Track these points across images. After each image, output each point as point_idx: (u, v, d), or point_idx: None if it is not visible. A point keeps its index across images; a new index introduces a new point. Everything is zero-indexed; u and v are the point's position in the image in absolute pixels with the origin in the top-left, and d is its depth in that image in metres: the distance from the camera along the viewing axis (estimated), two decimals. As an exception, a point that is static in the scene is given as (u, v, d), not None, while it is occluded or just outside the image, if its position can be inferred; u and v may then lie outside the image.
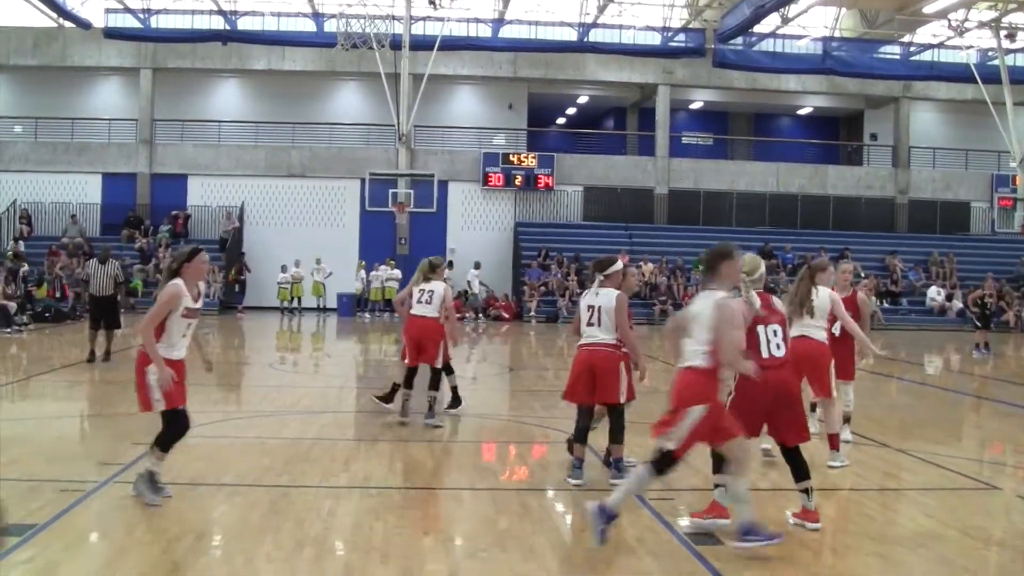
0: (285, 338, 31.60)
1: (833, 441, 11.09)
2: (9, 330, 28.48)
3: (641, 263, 40.12)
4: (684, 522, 8.55)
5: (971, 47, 42.51)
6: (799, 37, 42.15)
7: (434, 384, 13.22)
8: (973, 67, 42.07)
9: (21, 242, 39.77)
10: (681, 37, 42.01)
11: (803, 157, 48.03)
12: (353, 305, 39.34)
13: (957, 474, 10.88)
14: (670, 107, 45.75)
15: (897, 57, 42.90)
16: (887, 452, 12.20)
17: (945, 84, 45.04)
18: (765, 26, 39.38)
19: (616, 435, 10.04)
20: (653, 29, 41.76)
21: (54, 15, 40.08)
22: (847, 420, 12.94)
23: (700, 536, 8.09)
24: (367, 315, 38.83)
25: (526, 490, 9.63)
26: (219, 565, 7.26)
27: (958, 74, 42.72)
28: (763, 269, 8.60)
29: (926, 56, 42.85)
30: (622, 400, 10.00)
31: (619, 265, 10.27)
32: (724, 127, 51.68)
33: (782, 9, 36.89)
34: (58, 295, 34.42)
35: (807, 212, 45.51)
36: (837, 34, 43.09)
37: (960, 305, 38.53)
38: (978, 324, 28.89)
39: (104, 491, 9.14)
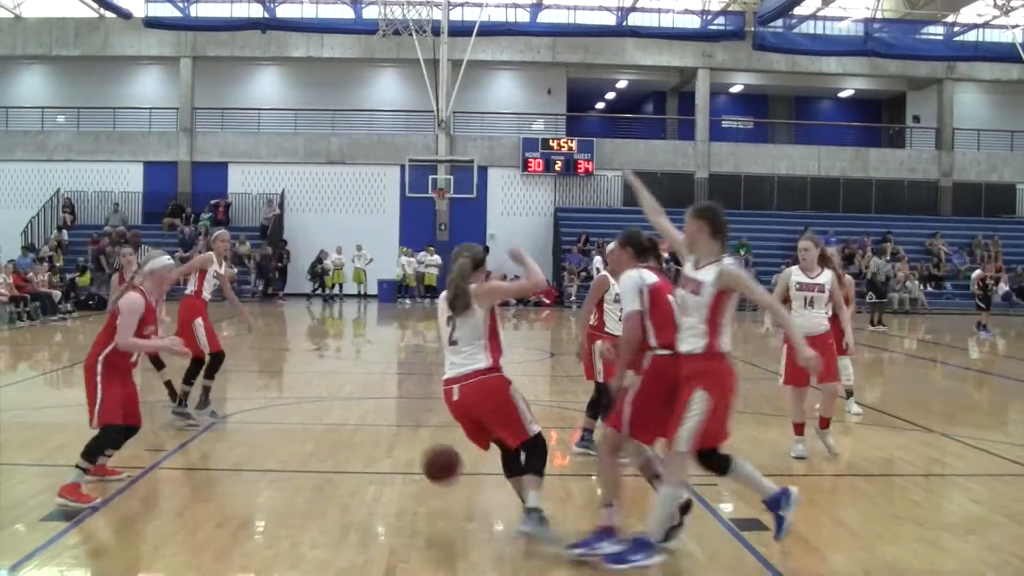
0: (328, 324, 31.71)
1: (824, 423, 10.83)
2: (55, 318, 28.74)
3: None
4: (727, 507, 8.52)
5: (1017, 26, 41.81)
6: (840, 19, 41.79)
7: None
8: (1019, 46, 41.45)
9: (65, 231, 40.10)
10: (721, 20, 41.74)
11: (844, 140, 47.68)
12: (394, 291, 39.41)
13: (1004, 459, 10.75)
14: (710, 91, 45.48)
15: (940, 38, 42.39)
16: (932, 437, 12.06)
17: (990, 64, 44.49)
18: (805, 8, 39.09)
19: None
20: (692, 12, 41.53)
21: (95, 5, 40.30)
22: (850, 393, 13.38)
23: (745, 521, 8.04)
24: (407, 301, 38.89)
25: (569, 476, 9.61)
26: (264, 550, 7.28)
27: (1003, 54, 42.04)
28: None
29: (970, 36, 42.25)
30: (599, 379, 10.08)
31: (610, 247, 10.36)
32: (764, 110, 51.31)
33: (823, -10, 36.60)
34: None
35: (849, 196, 45.16)
36: (879, 15, 42.54)
37: (1006, 288, 38.19)
38: (981, 305, 28.76)
39: (150, 477, 9.20)
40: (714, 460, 7.11)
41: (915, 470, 10.39)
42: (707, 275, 6.95)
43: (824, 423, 10.70)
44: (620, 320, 10.08)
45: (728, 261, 7.01)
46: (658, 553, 6.99)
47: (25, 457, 10.07)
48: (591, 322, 10.32)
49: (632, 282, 7.50)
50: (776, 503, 7.06)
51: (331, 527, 7.73)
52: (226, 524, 7.77)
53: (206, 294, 12.35)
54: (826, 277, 10.69)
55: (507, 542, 7.63)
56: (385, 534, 7.70)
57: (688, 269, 7.18)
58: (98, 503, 8.07)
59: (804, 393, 10.63)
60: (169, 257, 9.06)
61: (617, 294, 10.14)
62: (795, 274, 10.82)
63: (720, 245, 7.16)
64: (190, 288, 12.33)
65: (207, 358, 12.08)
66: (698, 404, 6.74)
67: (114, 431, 8.34)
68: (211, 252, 12.61)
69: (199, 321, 12.02)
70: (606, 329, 10.34)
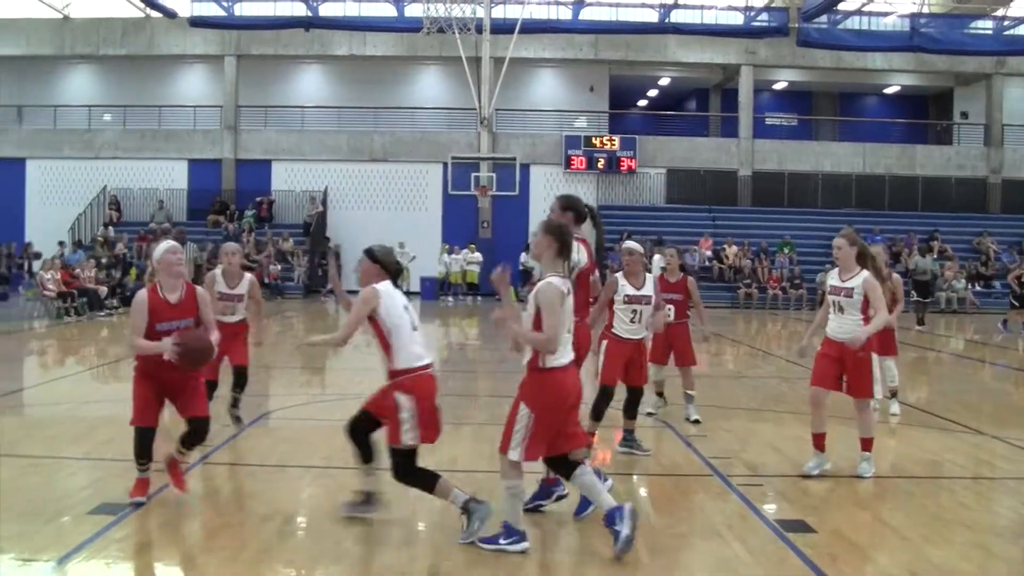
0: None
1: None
2: (101, 314, 28.98)
3: (725, 245, 39.87)
4: (767, 509, 8.47)
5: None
6: (885, 14, 41.41)
7: None
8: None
9: (111, 228, 40.44)
10: (764, 16, 41.49)
11: (890, 137, 47.29)
12: (436, 289, 39.49)
13: (1056, 462, 10.62)
14: (753, 87, 45.25)
15: (989, 32, 41.88)
16: (982, 439, 11.94)
17: (1040, 59, 44.00)
18: (850, 3, 38.82)
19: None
20: (735, 9, 41.31)
21: (141, 5, 40.54)
22: (894, 394, 13.23)
23: (790, 522, 7.99)
24: (450, 299, 38.93)
25: (612, 474, 9.55)
26: (308, 546, 7.31)
27: (1055, 49, 41.60)
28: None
29: (1020, 30, 41.66)
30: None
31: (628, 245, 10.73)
32: (808, 107, 50.95)
33: (868, -15, 36.30)
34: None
35: (895, 193, 44.75)
36: (926, 10, 42.11)
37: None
38: (1015, 303, 28.39)
39: (195, 471, 9.25)
40: (563, 466, 7.45)
41: (964, 472, 10.25)
42: (533, 292, 7.26)
43: (865, 445, 9.67)
44: (630, 322, 10.17)
45: (545, 281, 7.19)
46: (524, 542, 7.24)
47: (74, 451, 10.15)
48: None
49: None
50: (611, 519, 7.18)
51: (375, 523, 7.75)
52: (271, 519, 7.81)
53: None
54: (858, 280, 9.52)
55: (549, 542, 7.62)
56: (428, 531, 7.70)
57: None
58: (140, 500, 8.11)
59: (826, 398, 9.60)
60: (170, 241, 8.70)
61: (626, 295, 10.21)
62: (831, 276, 9.88)
63: (563, 264, 7.34)
64: None
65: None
66: (521, 414, 7.16)
67: (140, 433, 8.17)
68: (215, 271, 11.49)
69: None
70: (614, 330, 10.43)
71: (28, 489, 8.60)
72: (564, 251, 7.32)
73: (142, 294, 8.21)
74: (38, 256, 30.47)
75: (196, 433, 8.29)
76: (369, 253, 8.24)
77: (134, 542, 7.28)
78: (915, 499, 8.94)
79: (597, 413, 10.15)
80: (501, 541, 7.20)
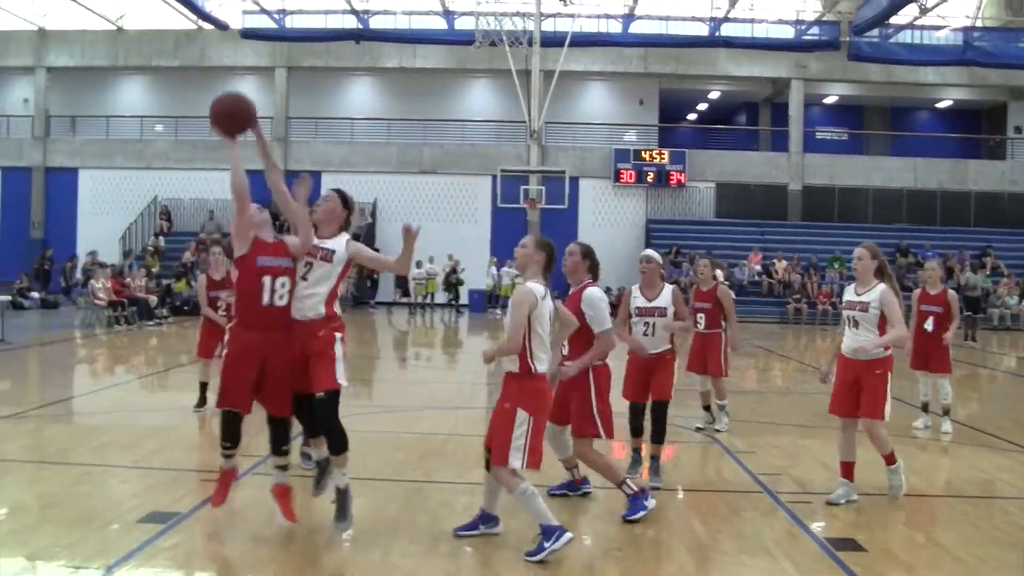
0: (418, 333, 31.85)
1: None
2: (151, 323, 29.22)
3: (775, 260, 39.67)
4: (817, 526, 8.40)
5: None
6: (938, 27, 40.98)
7: None
8: None
9: (161, 237, 40.78)
10: (815, 30, 41.21)
11: (942, 152, 46.81)
12: (485, 301, 39.52)
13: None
14: (803, 101, 45.01)
15: (1043, 46, 41.46)
16: (1037, 458, 11.76)
17: (1097, 73, 43.44)
18: (902, 17, 38.44)
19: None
20: (786, 22, 41.06)
21: (193, 17, 40.89)
22: (946, 412, 13.19)
23: (840, 541, 7.91)
24: (498, 311, 38.90)
25: (661, 490, 9.50)
26: (355, 558, 7.32)
27: (1112, 62, 41.03)
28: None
29: (1075, 44, 41.27)
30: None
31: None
32: (859, 121, 50.60)
33: (920, -1, 35.98)
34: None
35: (947, 208, 44.32)
36: (979, 23, 41.72)
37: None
38: None
39: (243, 481, 9.27)
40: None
41: (1019, 492, 10.07)
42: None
43: (888, 459, 9.38)
44: (643, 335, 9.87)
45: (522, 284, 7.62)
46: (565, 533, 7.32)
47: (123, 459, 10.23)
48: None
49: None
50: (488, 519, 7.74)
51: (421, 536, 7.75)
52: (318, 531, 7.83)
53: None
54: (874, 294, 9.12)
55: (600, 555, 7.59)
56: (475, 545, 7.67)
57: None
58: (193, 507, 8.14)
59: (852, 425, 9.32)
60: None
61: (636, 307, 9.98)
62: (847, 291, 9.53)
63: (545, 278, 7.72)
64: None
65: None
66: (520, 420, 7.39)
67: (222, 416, 7.95)
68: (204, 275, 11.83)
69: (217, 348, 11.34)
70: None
71: (78, 497, 8.67)
72: (549, 266, 7.73)
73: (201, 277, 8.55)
74: (103, 266, 30.75)
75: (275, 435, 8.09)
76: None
77: (183, 551, 7.31)
78: (968, 519, 8.82)
79: (633, 429, 10.04)
80: (546, 545, 7.24)
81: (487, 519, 7.86)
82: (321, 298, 7.88)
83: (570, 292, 8.66)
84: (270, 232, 8.44)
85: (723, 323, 12.83)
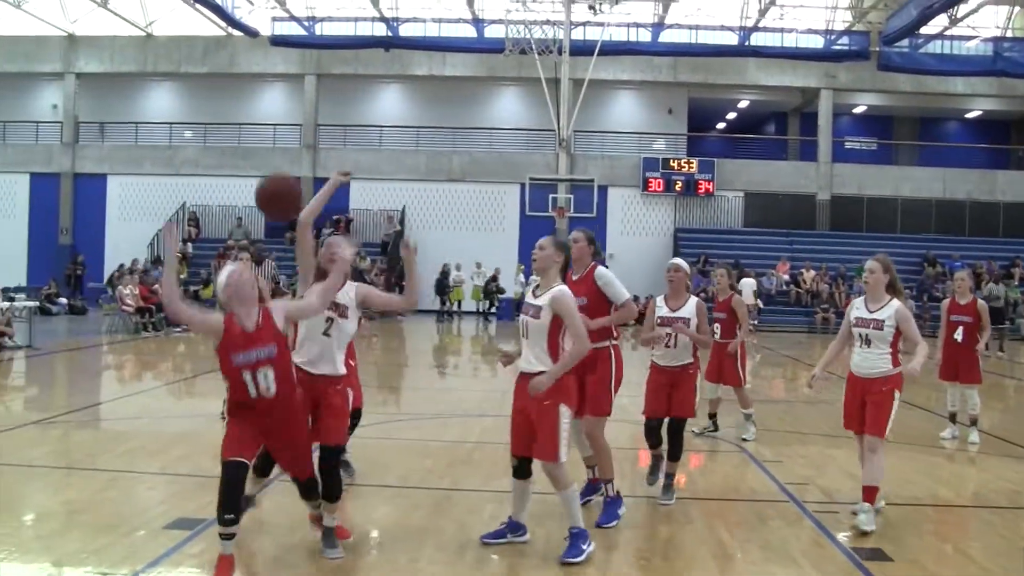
0: (446, 341, 31.88)
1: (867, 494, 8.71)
2: (178, 330, 29.32)
3: (803, 270, 39.55)
4: (843, 536, 8.36)
5: None
6: (968, 38, 40.80)
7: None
8: None
9: (189, 244, 40.95)
10: (844, 40, 41.07)
11: (971, 162, 46.56)
12: (513, 309, 39.49)
13: None
14: (833, 111, 44.87)
15: (1074, 57, 41.19)
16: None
17: None
18: (932, 27, 38.27)
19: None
20: (815, 32, 40.96)
21: (223, 24, 41.06)
22: (974, 422, 13.15)
23: (867, 551, 7.88)
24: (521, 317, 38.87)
25: (688, 499, 9.48)
26: (382, 565, 7.32)
27: None
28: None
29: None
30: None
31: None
32: (888, 131, 50.38)
33: (950, 9, 35.79)
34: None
35: (975, 219, 44.06)
36: (1009, 33, 41.54)
37: None
38: None
39: (270, 489, 9.29)
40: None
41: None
42: (548, 300, 7.62)
43: (867, 494, 8.64)
44: (664, 347, 9.68)
45: (559, 289, 7.63)
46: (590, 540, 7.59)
47: (150, 465, 10.26)
48: None
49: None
50: (516, 528, 7.81)
51: (448, 544, 7.76)
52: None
53: None
54: (889, 311, 8.69)
55: (626, 564, 7.58)
56: (501, 552, 7.67)
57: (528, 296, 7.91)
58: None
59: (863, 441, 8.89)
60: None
61: (659, 317, 9.83)
62: (855, 307, 9.05)
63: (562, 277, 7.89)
64: None
65: None
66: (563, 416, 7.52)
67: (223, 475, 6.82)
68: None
69: None
70: (652, 357, 9.95)
71: (105, 503, 8.71)
72: (566, 267, 8.00)
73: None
74: (132, 273, 30.93)
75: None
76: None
77: (209, 558, 7.31)
78: (996, 529, 8.76)
79: (649, 444, 9.82)
80: (584, 547, 7.42)
81: (515, 527, 7.86)
82: (342, 353, 7.73)
83: (574, 278, 8.77)
84: (252, 303, 6.92)
85: (738, 333, 12.83)
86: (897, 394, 8.68)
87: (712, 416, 13.19)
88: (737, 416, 13.22)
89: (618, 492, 8.73)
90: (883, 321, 8.66)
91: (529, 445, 7.53)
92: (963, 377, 13.17)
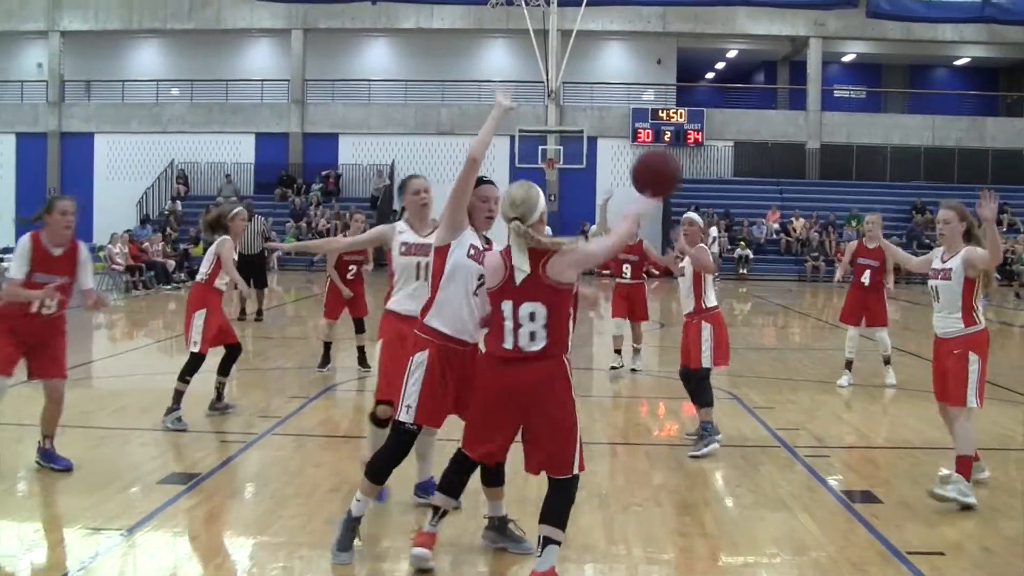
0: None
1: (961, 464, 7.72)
2: (168, 287, 29.33)
3: (792, 218, 39.59)
4: (834, 480, 8.42)
5: None
6: (957, -16, 40.73)
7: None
8: None
9: (178, 202, 40.86)
10: (833, -13, 40.98)
11: (960, 109, 46.51)
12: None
13: None
14: (822, 60, 44.73)
15: (1064, 2, 41.06)
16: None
17: (1117, 29, 43.03)
18: (921, -26, 38.19)
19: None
20: (805, -20, 40.86)
21: (209, -21, 40.85)
22: (887, 362, 13.25)
23: (857, 493, 7.95)
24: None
25: (679, 446, 9.54)
26: (376, 515, 7.32)
27: None
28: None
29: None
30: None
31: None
32: (877, 79, 50.27)
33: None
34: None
35: (964, 166, 43.99)
36: (998, -20, 41.45)
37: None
38: None
39: (263, 442, 9.35)
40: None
41: (1034, 445, 10.05)
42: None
43: (960, 465, 7.65)
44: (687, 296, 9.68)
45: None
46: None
47: (143, 422, 10.25)
48: None
49: None
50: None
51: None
52: (339, 489, 7.84)
53: (219, 283, 10.53)
54: (957, 261, 7.75)
55: (619, 510, 7.61)
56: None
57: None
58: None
59: (946, 411, 8.07)
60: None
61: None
62: (934, 257, 8.13)
63: None
64: (201, 275, 10.60)
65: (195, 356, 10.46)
66: None
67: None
68: (227, 237, 10.61)
69: (199, 313, 10.45)
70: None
71: (99, 460, 8.71)
72: None
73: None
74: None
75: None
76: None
77: (203, 511, 7.36)
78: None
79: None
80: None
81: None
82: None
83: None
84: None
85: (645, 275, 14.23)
86: (973, 356, 7.74)
87: (618, 352, 14.17)
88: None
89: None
90: (951, 271, 7.78)
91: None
92: (872, 320, 13.07)
